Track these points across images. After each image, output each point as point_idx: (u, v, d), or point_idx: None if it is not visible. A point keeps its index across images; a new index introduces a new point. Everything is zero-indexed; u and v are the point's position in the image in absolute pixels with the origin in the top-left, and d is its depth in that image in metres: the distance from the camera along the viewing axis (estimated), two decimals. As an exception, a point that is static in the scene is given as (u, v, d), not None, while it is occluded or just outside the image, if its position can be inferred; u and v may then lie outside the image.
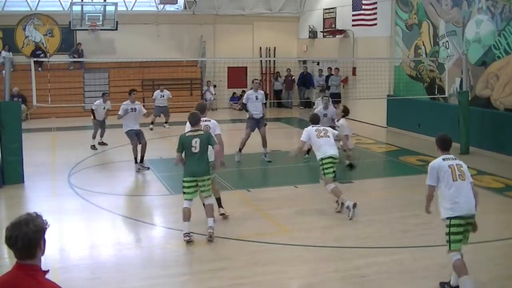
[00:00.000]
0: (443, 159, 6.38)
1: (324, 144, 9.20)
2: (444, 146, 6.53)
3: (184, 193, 8.04)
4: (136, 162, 12.35)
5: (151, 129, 17.55)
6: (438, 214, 9.30)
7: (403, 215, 9.23)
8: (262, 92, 14.04)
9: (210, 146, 8.01)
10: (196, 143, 7.83)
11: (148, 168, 12.41)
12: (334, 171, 9.25)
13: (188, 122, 8.24)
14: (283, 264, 7.13)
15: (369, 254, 7.52)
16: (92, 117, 15.37)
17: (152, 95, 18.60)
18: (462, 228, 6.09)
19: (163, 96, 18.28)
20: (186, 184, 8.00)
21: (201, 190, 8.11)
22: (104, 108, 15.31)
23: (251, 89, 13.69)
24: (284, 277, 6.83)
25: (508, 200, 10.23)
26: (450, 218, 6.10)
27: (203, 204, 8.23)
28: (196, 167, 7.90)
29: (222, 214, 8.93)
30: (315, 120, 9.72)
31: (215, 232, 8.04)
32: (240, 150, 13.15)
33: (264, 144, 13.27)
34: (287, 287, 6.73)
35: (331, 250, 7.70)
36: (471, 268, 7.11)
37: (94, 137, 15.15)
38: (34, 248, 2.97)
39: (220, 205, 8.98)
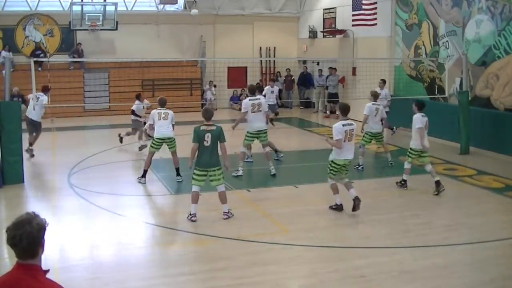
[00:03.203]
0: (343, 125, 8.88)
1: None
2: (344, 112, 9.09)
3: (193, 179, 8.83)
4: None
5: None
6: (437, 214, 9.36)
7: (403, 215, 9.24)
8: None
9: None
10: (208, 137, 8.57)
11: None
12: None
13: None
14: (283, 264, 7.13)
15: (369, 254, 7.53)
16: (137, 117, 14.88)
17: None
18: (337, 170, 9.17)
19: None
20: (197, 173, 8.78)
21: (210, 179, 8.81)
22: (144, 107, 15.00)
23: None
24: (284, 277, 6.83)
25: (508, 200, 10.23)
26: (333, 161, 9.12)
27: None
28: (208, 159, 8.66)
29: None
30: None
31: (217, 232, 8.13)
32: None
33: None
34: (287, 287, 6.74)
35: (331, 250, 7.70)
36: (471, 268, 7.13)
37: (140, 137, 14.84)
38: (37, 247, 2.99)
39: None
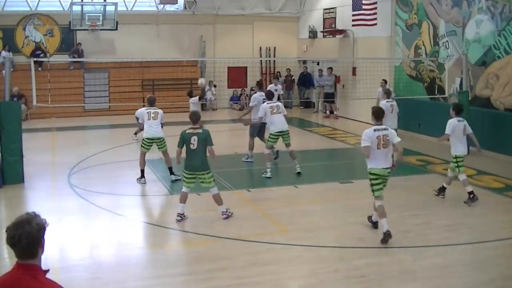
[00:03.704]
0: (374, 130, 7.87)
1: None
2: (377, 117, 8.02)
3: (183, 181, 8.90)
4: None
5: None
6: (437, 214, 9.35)
7: (403, 215, 9.22)
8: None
9: None
10: (194, 141, 8.52)
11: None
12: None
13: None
14: (283, 264, 7.13)
15: (369, 254, 7.53)
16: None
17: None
18: (378, 179, 7.97)
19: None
20: (185, 176, 8.79)
21: (200, 182, 8.82)
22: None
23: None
24: (284, 277, 6.83)
25: (508, 200, 10.23)
26: (370, 171, 7.98)
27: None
28: (195, 163, 8.61)
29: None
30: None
31: (217, 232, 8.17)
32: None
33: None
34: (287, 287, 6.74)
35: (331, 250, 7.70)
36: (471, 268, 7.12)
37: None
38: (36, 247, 2.98)
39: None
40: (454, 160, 9.96)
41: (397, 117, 13.00)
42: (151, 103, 11.54)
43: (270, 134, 11.91)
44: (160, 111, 11.39)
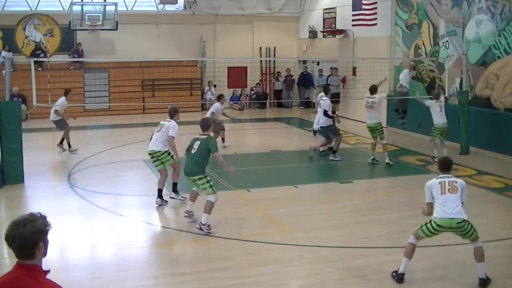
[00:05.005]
0: (437, 178, 6.80)
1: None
2: (443, 167, 6.89)
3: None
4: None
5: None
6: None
7: (403, 215, 9.22)
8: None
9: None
10: (196, 145, 8.48)
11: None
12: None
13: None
14: (283, 264, 7.13)
15: (369, 254, 7.53)
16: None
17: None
18: (436, 231, 6.72)
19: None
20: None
21: (198, 188, 8.65)
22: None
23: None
24: (284, 277, 6.83)
25: (508, 200, 10.23)
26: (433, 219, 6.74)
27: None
28: (187, 167, 8.56)
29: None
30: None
31: (216, 232, 8.23)
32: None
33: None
34: (287, 287, 6.74)
35: (331, 250, 7.70)
36: (472, 268, 7.10)
37: None
38: (31, 249, 2.97)
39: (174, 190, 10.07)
40: None
41: (445, 115, 13.43)
42: (169, 114, 9.94)
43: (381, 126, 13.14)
44: (168, 124, 9.65)
